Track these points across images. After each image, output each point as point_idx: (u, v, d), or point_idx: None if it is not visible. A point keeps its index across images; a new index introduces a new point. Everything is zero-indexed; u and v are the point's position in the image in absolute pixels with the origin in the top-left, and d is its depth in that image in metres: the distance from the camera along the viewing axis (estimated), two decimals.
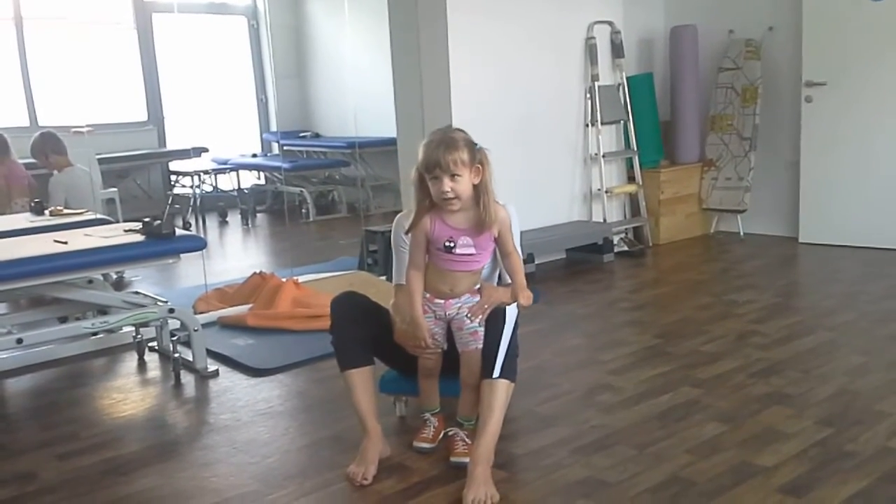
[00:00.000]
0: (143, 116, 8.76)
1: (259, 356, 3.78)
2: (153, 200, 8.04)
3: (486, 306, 2.52)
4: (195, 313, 4.14)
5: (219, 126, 8.79)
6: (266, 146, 9.69)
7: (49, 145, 5.30)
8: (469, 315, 2.51)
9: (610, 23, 5.76)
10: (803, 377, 3.23)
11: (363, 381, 2.63)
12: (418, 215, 2.44)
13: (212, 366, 3.64)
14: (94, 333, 3.76)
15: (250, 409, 3.17)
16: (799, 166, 5.71)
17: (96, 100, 7.90)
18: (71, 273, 3.37)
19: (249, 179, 8.97)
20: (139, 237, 3.50)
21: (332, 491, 2.47)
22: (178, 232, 3.61)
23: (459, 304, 2.52)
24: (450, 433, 2.67)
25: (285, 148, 9.13)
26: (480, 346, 2.51)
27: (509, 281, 2.56)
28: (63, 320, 3.93)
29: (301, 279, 4.76)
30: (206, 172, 8.42)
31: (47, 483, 2.63)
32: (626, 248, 5.82)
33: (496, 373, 2.47)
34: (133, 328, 3.88)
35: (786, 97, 5.83)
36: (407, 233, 2.48)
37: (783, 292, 4.66)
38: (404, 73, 5.16)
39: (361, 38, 8.16)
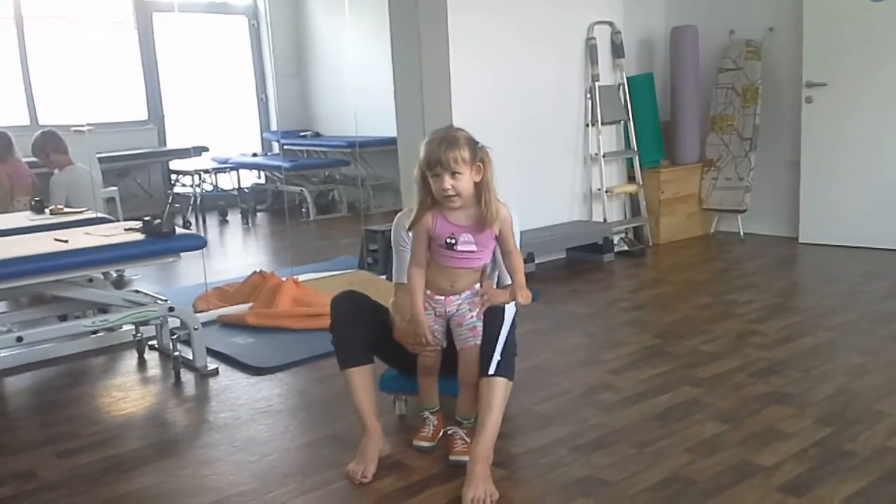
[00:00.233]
0: (144, 115, 8.76)
1: (259, 355, 3.78)
2: (153, 199, 8.05)
3: (485, 297, 2.53)
4: (195, 312, 4.15)
5: (219, 125, 8.79)
6: (266, 145, 9.70)
7: (50, 144, 5.30)
8: (469, 304, 2.51)
9: (610, 23, 5.76)
10: (803, 377, 3.23)
11: (363, 379, 2.63)
12: (420, 212, 2.44)
13: (212, 364, 3.65)
14: (94, 332, 3.76)
15: (250, 408, 3.18)
16: (799, 166, 5.71)
17: (97, 99, 7.88)
18: (71, 271, 3.37)
19: (250, 178, 8.98)
20: (139, 236, 3.50)
21: (331, 489, 2.48)
22: (178, 231, 3.61)
23: (459, 301, 2.52)
24: (449, 432, 2.67)
25: (285, 147, 9.14)
26: (479, 342, 2.52)
27: (509, 282, 2.56)
28: (63, 318, 3.93)
29: (301, 278, 4.76)
30: (206, 171, 8.42)
31: (47, 481, 2.63)
32: (626, 248, 5.82)
33: (492, 369, 2.47)
34: (133, 327, 3.88)
35: (786, 98, 5.83)
36: (409, 229, 2.49)
37: (783, 292, 4.66)
38: (405, 73, 5.16)
39: (362, 37, 8.16)
